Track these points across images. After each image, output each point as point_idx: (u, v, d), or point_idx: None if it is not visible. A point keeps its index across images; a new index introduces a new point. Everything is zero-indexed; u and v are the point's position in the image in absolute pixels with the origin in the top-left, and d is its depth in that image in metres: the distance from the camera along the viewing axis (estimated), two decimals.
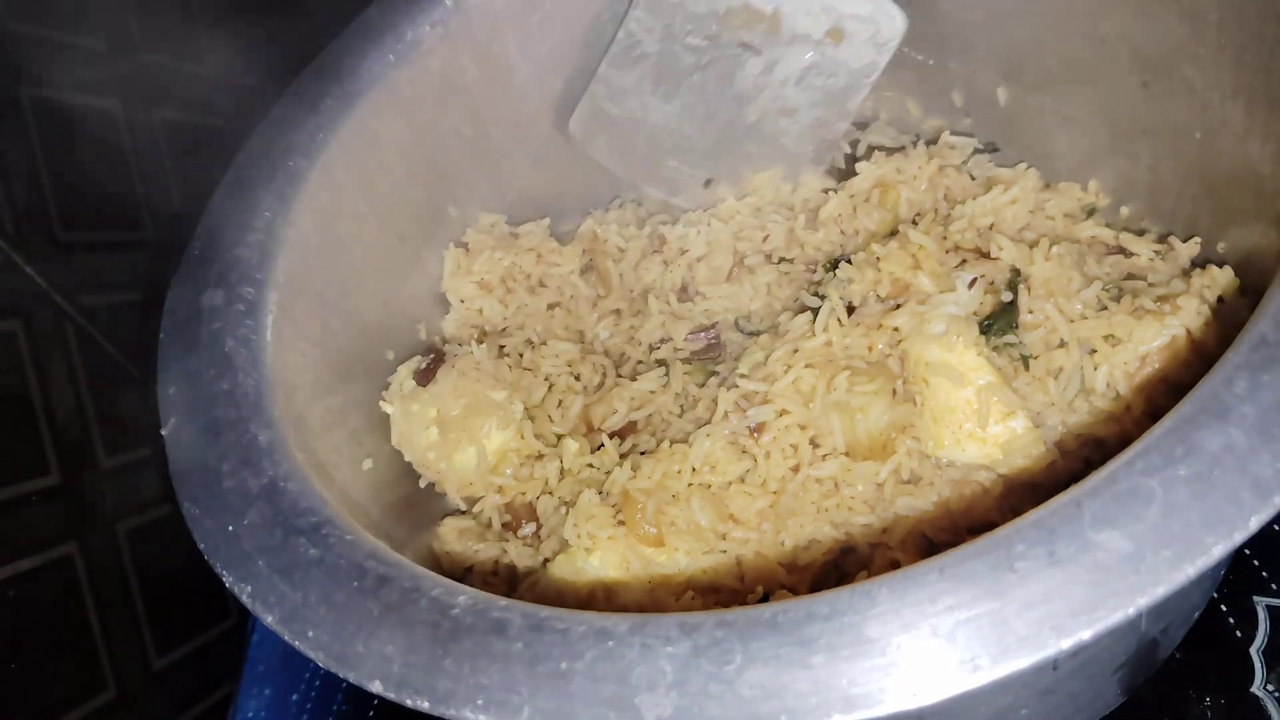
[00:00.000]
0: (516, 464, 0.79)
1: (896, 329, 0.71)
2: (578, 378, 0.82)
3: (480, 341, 0.86)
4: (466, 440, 0.78)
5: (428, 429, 0.79)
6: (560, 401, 0.82)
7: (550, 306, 0.91)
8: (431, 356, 0.81)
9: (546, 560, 0.74)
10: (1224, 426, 0.44)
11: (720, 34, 0.87)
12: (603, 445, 0.77)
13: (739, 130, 0.90)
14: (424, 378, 0.80)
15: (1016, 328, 0.71)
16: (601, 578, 0.70)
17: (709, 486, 0.70)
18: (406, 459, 0.82)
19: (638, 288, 0.91)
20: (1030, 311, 0.71)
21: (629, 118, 0.91)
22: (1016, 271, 0.73)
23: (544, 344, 0.84)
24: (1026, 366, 0.71)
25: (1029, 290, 0.71)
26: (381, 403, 0.81)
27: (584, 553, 0.70)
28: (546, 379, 0.83)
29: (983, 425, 0.68)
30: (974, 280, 0.72)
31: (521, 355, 0.84)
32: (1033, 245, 0.73)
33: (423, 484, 0.82)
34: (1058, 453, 0.69)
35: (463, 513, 0.83)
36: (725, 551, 0.70)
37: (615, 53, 0.89)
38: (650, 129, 0.91)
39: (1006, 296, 0.72)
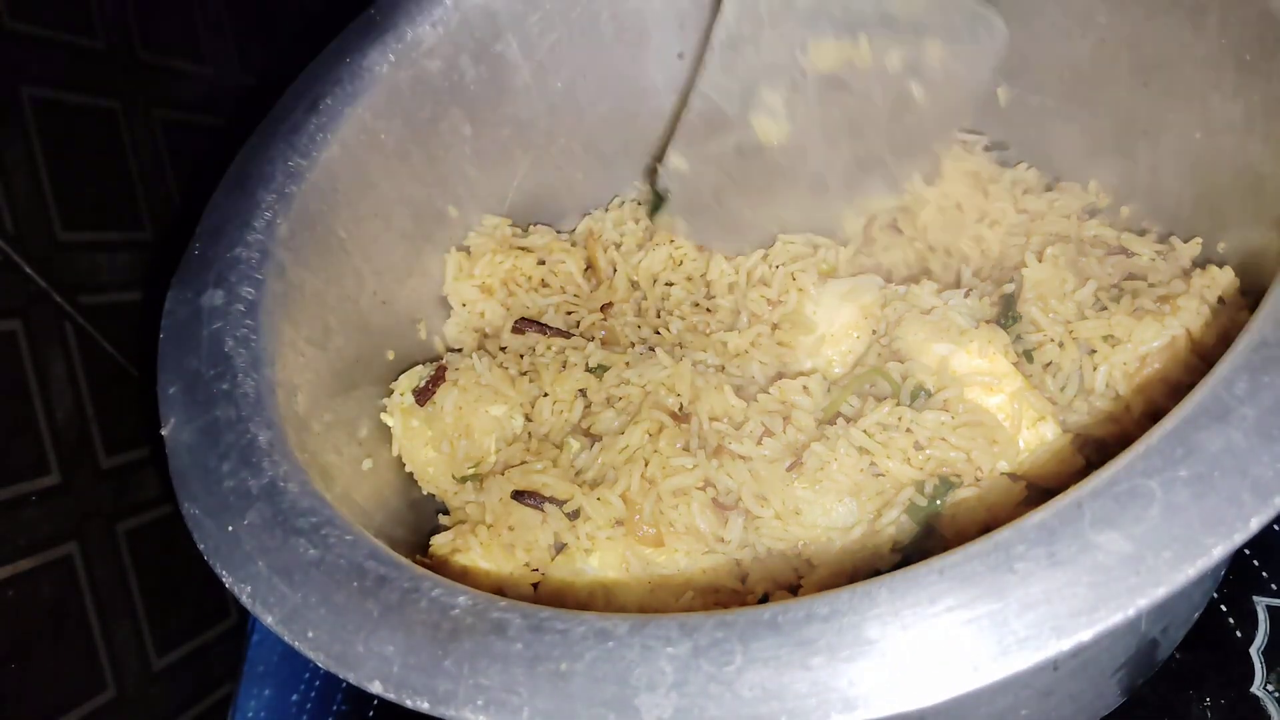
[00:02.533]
0: (518, 474, 0.79)
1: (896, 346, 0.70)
2: (583, 392, 0.81)
3: (481, 347, 0.86)
4: (466, 457, 0.79)
5: (427, 446, 0.80)
6: (557, 404, 0.81)
7: (557, 309, 0.90)
8: (431, 376, 0.81)
9: None
10: (1224, 428, 0.44)
11: (804, 82, 0.79)
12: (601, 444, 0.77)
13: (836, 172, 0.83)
14: (423, 397, 0.80)
15: (1019, 319, 0.71)
16: (601, 578, 0.69)
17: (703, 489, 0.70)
18: (407, 469, 0.82)
19: (634, 275, 0.91)
20: (1019, 317, 0.71)
21: (710, 187, 0.85)
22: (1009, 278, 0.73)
23: (549, 347, 0.84)
24: (1030, 359, 0.71)
25: (1020, 292, 0.72)
26: (382, 415, 0.81)
27: (583, 553, 0.70)
28: (545, 384, 0.82)
29: (1016, 432, 0.67)
30: (968, 291, 0.72)
31: (522, 357, 0.84)
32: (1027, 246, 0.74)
33: (424, 489, 0.83)
34: (1082, 459, 0.68)
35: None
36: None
37: (689, 122, 0.81)
38: (733, 197, 0.85)
39: (1008, 288, 0.72)
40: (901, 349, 0.72)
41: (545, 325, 0.86)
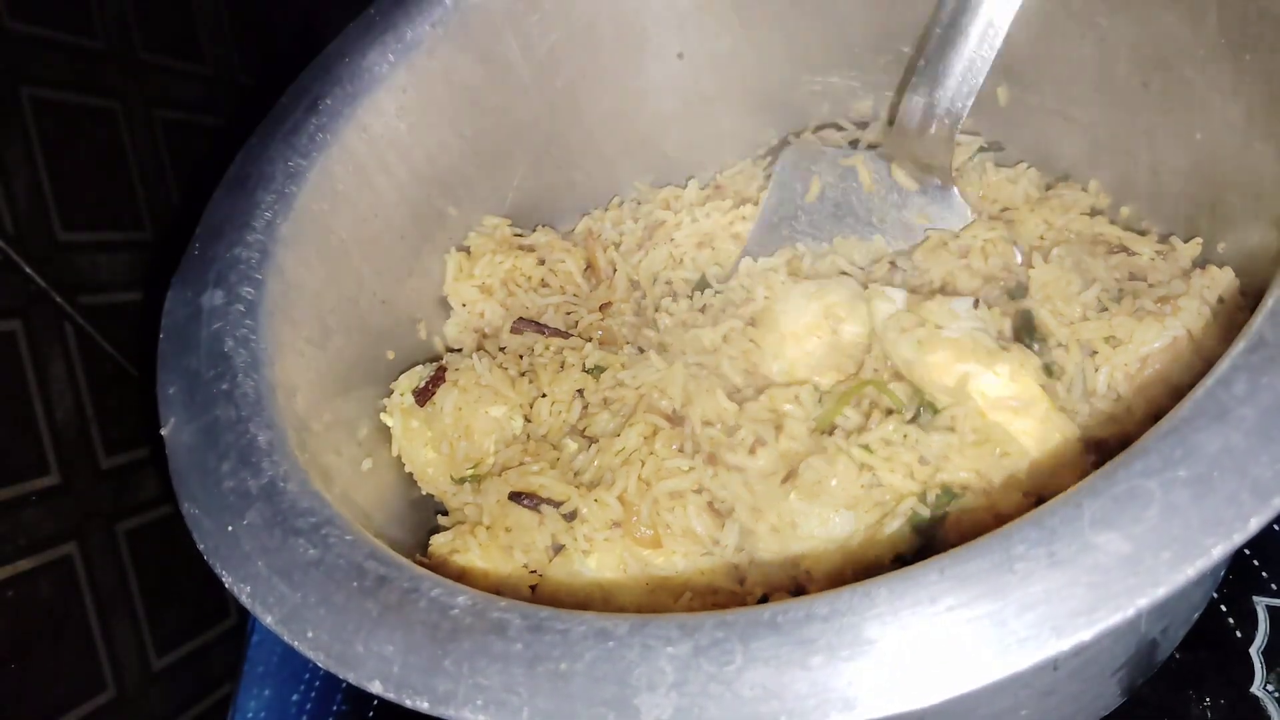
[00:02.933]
0: (515, 476, 0.79)
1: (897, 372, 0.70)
2: (580, 392, 0.81)
3: (481, 347, 0.86)
4: (465, 458, 0.79)
5: (426, 446, 0.80)
6: (555, 405, 0.81)
7: (557, 309, 0.91)
8: (430, 376, 0.81)
9: None
10: (1223, 428, 0.44)
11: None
12: (598, 445, 0.77)
13: None
14: (422, 397, 0.80)
15: (1039, 338, 0.71)
16: (599, 579, 0.69)
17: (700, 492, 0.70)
18: (407, 470, 0.82)
19: (635, 275, 0.91)
20: (1043, 337, 0.71)
21: None
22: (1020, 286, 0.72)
23: (547, 347, 0.84)
24: (1050, 374, 0.70)
25: (1027, 295, 0.71)
26: (382, 415, 0.81)
27: (581, 555, 0.70)
28: (544, 385, 0.82)
29: (1041, 457, 0.66)
30: (977, 300, 0.71)
31: (521, 357, 0.84)
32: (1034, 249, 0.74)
33: (423, 490, 0.83)
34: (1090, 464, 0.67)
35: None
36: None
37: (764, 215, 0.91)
38: None
39: (1026, 303, 0.72)
40: (920, 372, 0.70)
41: (543, 325, 0.86)
